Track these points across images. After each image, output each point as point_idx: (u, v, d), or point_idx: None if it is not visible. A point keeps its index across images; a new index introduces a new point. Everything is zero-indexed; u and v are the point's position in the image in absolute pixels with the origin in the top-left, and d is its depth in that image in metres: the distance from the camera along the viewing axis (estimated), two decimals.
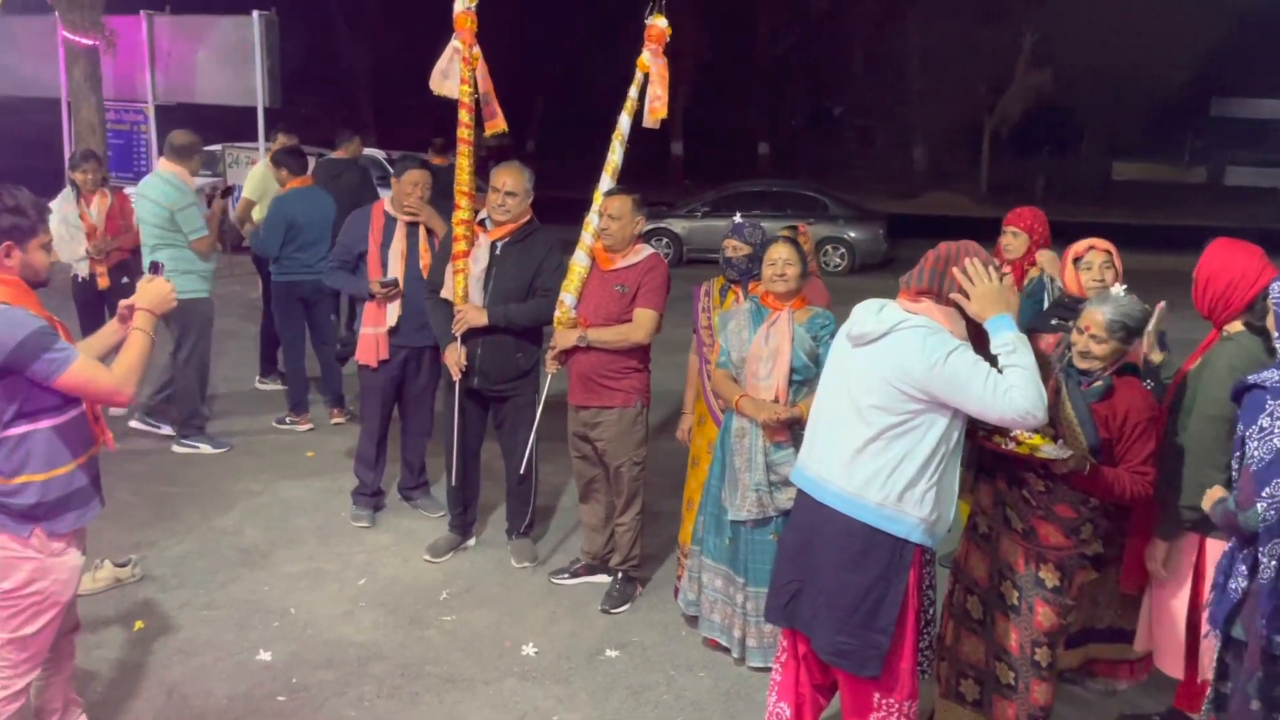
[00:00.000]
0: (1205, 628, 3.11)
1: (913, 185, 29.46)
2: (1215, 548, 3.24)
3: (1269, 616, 2.73)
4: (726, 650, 4.09)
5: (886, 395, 2.76)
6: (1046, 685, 3.23)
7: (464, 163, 4.61)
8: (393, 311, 5.05)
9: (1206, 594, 3.21)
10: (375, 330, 5.09)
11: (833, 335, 3.76)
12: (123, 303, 3.05)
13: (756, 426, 3.83)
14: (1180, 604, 3.33)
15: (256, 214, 7.33)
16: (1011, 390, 2.65)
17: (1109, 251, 3.82)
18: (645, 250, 4.43)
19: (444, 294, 4.66)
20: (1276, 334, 2.86)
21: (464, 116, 4.59)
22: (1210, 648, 3.19)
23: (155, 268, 3.12)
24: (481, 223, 4.63)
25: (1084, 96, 30.09)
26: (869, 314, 2.88)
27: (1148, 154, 34.39)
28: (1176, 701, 3.64)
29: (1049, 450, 2.95)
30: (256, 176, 7.56)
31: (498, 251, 4.58)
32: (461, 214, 4.56)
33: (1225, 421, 3.06)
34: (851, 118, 36.21)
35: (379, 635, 4.20)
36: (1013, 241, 4.53)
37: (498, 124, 4.73)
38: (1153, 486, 3.14)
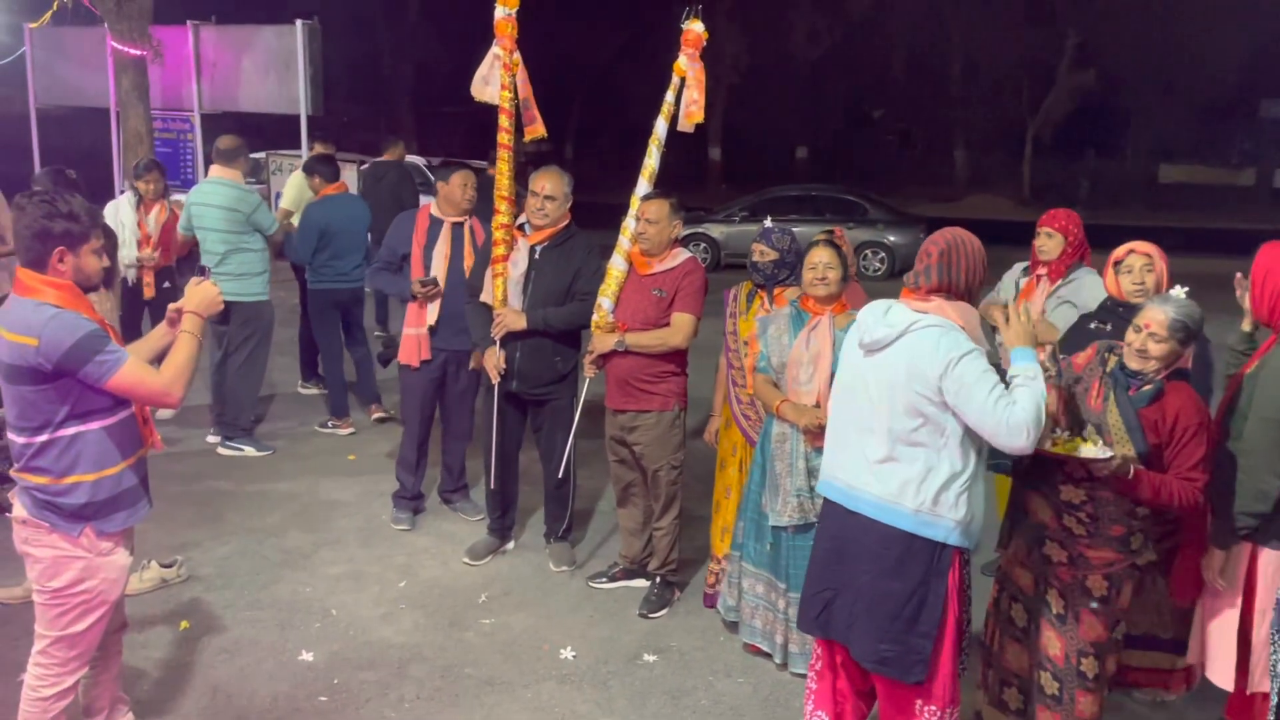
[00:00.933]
0: (1267, 635, 3.05)
1: (954, 189, 29.22)
2: (1269, 557, 3.18)
3: None
4: (766, 656, 4.06)
5: (909, 400, 2.76)
6: (1092, 697, 3.17)
7: (504, 168, 4.64)
8: (433, 311, 5.09)
9: (1260, 604, 3.15)
10: (417, 331, 5.13)
11: None
12: (171, 306, 3.10)
13: (798, 431, 3.81)
14: (1232, 613, 3.26)
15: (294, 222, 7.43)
16: (1014, 405, 2.66)
17: (1149, 255, 3.80)
18: (682, 254, 4.42)
19: (483, 298, 4.69)
20: None
21: (504, 122, 4.62)
22: (1265, 659, 3.13)
23: (203, 271, 3.18)
24: (521, 227, 4.66)
25: (1129, 98, 29.70)
26: (876, 318, 2.87)
27: (1195, 156, 33.75)
28: (1227, 713, 3.56)
29: (1089, 451, 2.91)
30: (294, 186, 7.65)
31: (536, 256, 4.60)
32: (501, 218, 4.60)
33: None
34: (891, 121, 35.99)
35: (419, 637, 4.23)
36: (1047, 243, 4.49)
37: (537, 129, 4.77)
38: (1203, 493, 3.07)
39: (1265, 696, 3.27)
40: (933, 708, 2.86)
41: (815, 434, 3.75)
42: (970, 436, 2.76)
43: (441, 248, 5.10)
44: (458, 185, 5.11)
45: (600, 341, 4.39)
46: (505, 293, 4.59)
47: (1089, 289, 4.35)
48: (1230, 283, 3.56)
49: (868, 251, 15.24)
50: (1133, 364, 3.10)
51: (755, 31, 29.73)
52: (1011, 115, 29.52)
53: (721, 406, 4.49)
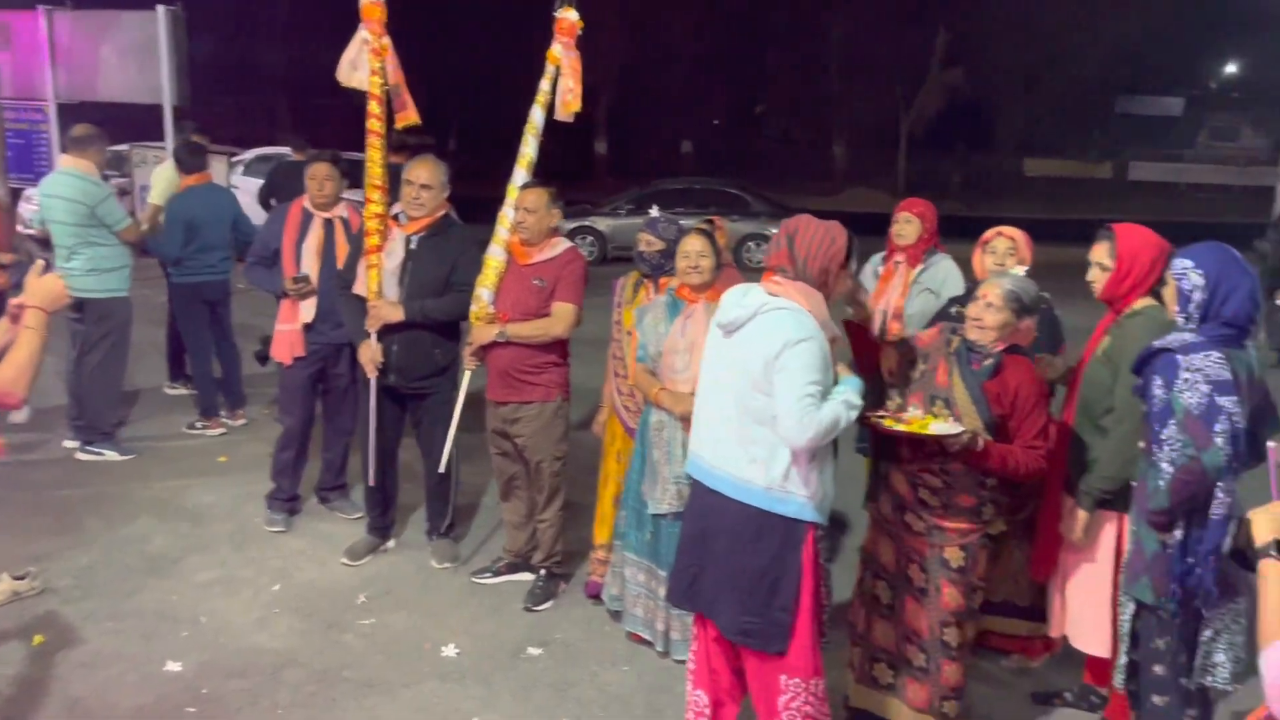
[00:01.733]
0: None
1: (833, 182, 29.93)
2: (1096, 520, 3.36)
3: (1189, 571, 2.84)
4: (650, 644, 4.08)
5: (755, 379, 2.82)
6: (956, 665, 3.29)
7: (375, 155, 4.52)
8: (308, 308, 4.97)
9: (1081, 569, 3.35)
10: (290, 327, 5.01)
11: None
12: (13, 301, 2.91)
13: (675, 419, 3.82)
14: (1104, 583, 3.39)
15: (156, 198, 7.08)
16: (815, 410, 2.73)
17: (1014, 239, 4.01)
18: (563, 244, 4.39)
19: (356, 289, 4.57)
20: (1177, 309, 2.95)
21: (373, 108, 4.51)
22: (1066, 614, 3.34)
23: (46, 265, 3.00)
24: (396, 217, 4.55)
25: (996, 94, 30.92)
26: (735, 300, 2.93)
27: (1057, 150, 35.40)
28: (1086, 677, 3.74)
29: (939, 427, 3.03)
30: (162, 179, 7.28)
31: (413, 246, 4.51)
32: (374, 207, 4.49)
33: None
34: (773, 117, 36.59)
35: (294, 642, 4.10)
36: (906, 227, 4.67)
37: (409, 116, 4.66)
38: (1045, 460, 3.23)
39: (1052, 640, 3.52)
40: (797, 680, 2.92)
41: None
42: None
43: (312, 242, 4.99)
44: (314, 179, 4.99)
45: (480, 333, 4.33)
46: (380, 284, 4.48)
47: (947, 274, 4.53)
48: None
49: (751, 243, 15.48)
50: (971, 335, 3.26)
51: (640, 26, 29.83)
52: (887, 112, 30.37)
53: (609, 397, 4.49)
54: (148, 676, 3.80)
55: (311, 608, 4.38)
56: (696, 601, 3.05)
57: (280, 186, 8.35)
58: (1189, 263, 2.93)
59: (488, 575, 4.66)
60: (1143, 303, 3.33)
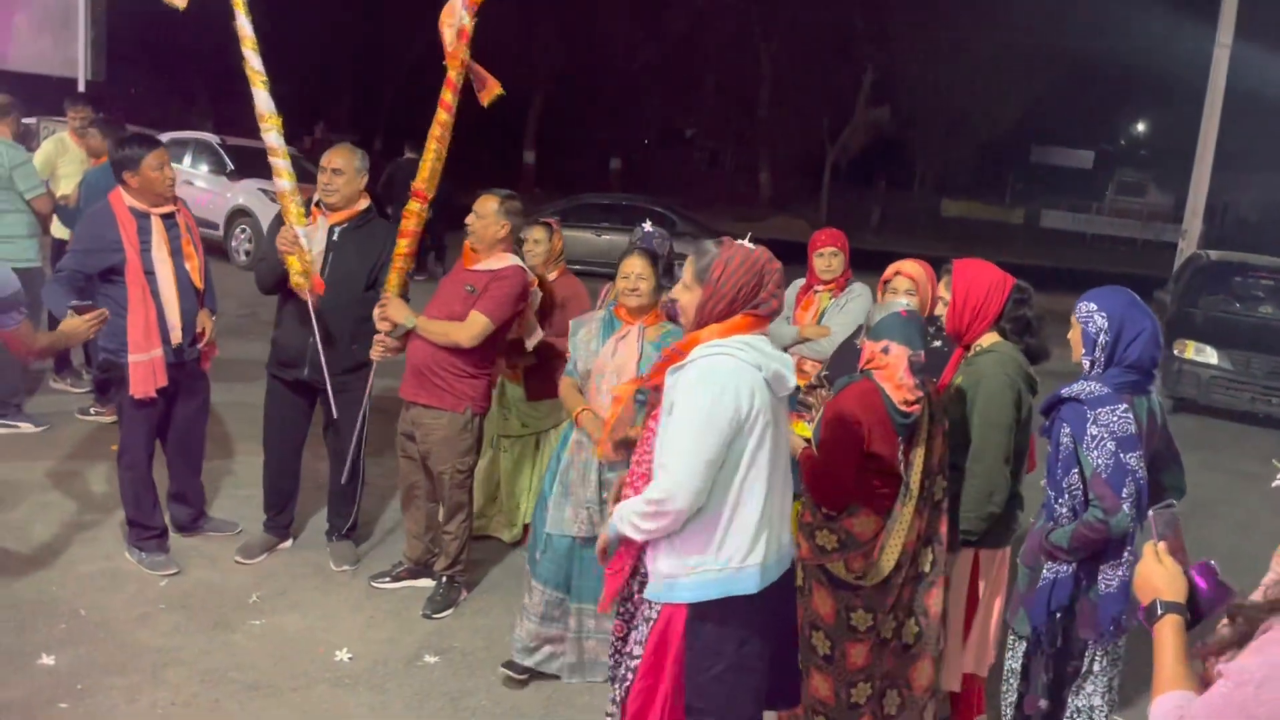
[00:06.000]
0: (996, 624, 3.27)
1: (757, 208, 30.34)
2: (988, 556, 3.40)
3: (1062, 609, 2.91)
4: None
5: None
6: (820, 675, 3.19)
7: (432, 151, 4.30)
8: (174, 328, 4.33)
9: (984, 600, 3.38)
10: (148, 357, 4.28)
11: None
12: None
13: (593, 444, 3.74)
14: (959, 616, 3.43)
15: (67, 188, 6.74)
16: (664, 471, 2.47)
17: (913, 279, 3.94)
18: (509, 260, 4.27)
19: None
20: (1083, 351, 3.03)
21: (446, 97, 4.24)
22: (988, 640, 3.37)
23: None
24: (316, 204, 4.45)
25: (918, 135, 31.84)
26: (785, 360, 2.71)
27: (973, 193, 36.62)
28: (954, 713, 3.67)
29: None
30: (49, 152, 6.78)
31: (335, 237, 4.41)
32: (415, 205, 4.31)
33: (1012, 431, 3.26)
34: (702, 139, 37.05)
35: (179, 639, 3.94)
36: (833, 261, 4.69)
37: (493, 88, 4.39)
38: (816, 487, 3.18)
39: (976, 678, 3.51)
40: None
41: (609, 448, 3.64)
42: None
43: (161, 248, 4.33)
44: (153, 167, 4.28)
45: (395, 309, 4.22)
46: (306, 268, 4.32)
47: (867, 303, 4.60)
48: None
49: (676, 263, 15.50)
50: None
51: (577, 41, 29.92)
52: (813, 143, 30.99)
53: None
54: (19, 669, 3.60)
55: (200, 605, 4.22)
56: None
57: (401, 185, 7.87)
58: (1093, 305, 3.02)
59: (387, 580, 4.55)
60: (990, 339, 3.37)
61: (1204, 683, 1.70)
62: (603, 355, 3.78)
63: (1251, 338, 9.99)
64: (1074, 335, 3.09)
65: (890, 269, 4.02)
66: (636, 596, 2.65)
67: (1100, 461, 2.83)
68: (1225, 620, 1.75)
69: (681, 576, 2.49)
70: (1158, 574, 1.89)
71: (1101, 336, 2.98)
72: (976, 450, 3.26)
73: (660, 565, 2.53)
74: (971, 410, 3.28)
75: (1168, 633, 1.82)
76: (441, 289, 4.30)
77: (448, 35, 4.19)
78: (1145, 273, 18.10)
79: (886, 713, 3.18)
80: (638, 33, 30.60)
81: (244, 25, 4.35)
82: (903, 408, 3.06)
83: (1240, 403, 9.66)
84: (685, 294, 2.58)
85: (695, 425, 2.41)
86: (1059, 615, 2.96)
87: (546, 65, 30.29)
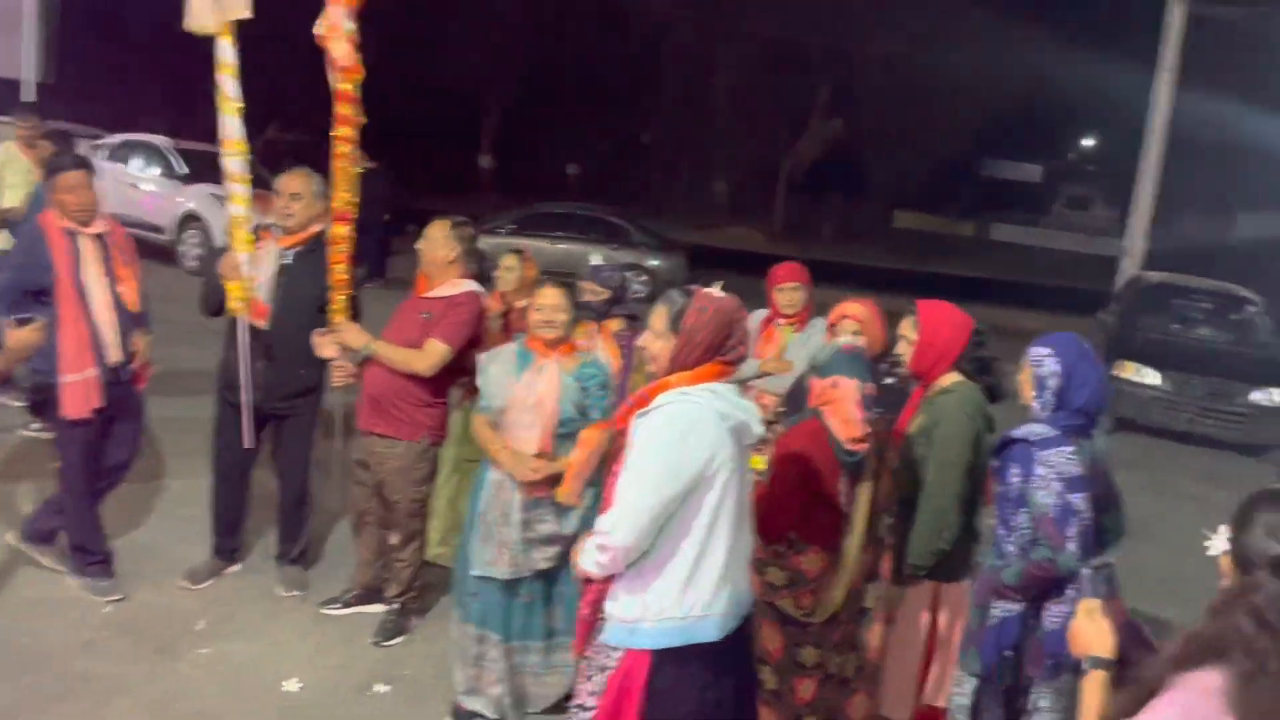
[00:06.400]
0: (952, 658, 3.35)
1: (713, 218, 30.51)
2: (950, 589, 3.49)
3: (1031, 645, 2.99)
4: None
5: None
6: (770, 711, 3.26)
7: (345, 159, 4.14)
8: (112, 346, 4.24)
9: (942, 634, 3.46)
10: (83, 376, 4.17)
11: (601, 385, 3.71)
12: None
13: (515, 483, 3.68)
14: (917, 648, 3.50)
15: (13, 200, 6.59)
16: (616, 514, 2.49)
17: (858, 319, 3.99)
18: (465, 285, 4.28)
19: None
20: (1034, 394, 3.12)
21: (343, 109, 4.07)
22: (946, 674, 3.44)
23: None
24: (269, 228, 4.43)
25: (872, 147, 32.25)
26: (746, 406, 2.74)
27: (925, 205, 37.17)
28: None
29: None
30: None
31: (286, 260, 4.39)
32: (340, 229, 4.22)
33: (966, 470, 3.34)
34: (659, 148, 37.15)
35: (124, 668, 3.90)
36: (794, 295, 4.75)
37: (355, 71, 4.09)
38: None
39: (937, 709, 3.54)
40: None
41: (533, 485, 3.66)
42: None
43: (91, 270, 4.23)
44: (64, 189, 4.18)
45: (350, 334, 4.20)
46: (250, 294, 4.29)
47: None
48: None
49: (629, 274, 15.60)
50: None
51: (537, 45, 29.91)
52: (768, 154, 31.26)
53: None
54: None
55: (145, 632, 4.17)
56: None
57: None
58: (1046, 350, 3.11)
59: (337, 606, 4.53)
60: (952, 379, 3.45)
61: None
62: (519, 390, 3.68)
63: (1190, 359, 10.29)
64: (1025, 377, 3.18)
65: (835, 312, 4.08)
66: (589, 650, 2.68)
67: (1047, 501, 2.93)
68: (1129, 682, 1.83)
69: (645, 622, 2.52)
70: (1087, 630, 1.98)
71: (1052, 380, 3.08)
72: (930, 487, 3.33)
73: (624, 610, 2.56)
74: (929, 447, 3.37)
75: (1093, 688, 1.92)
76: (397, 316, 4.30)
77: (337, 49, 4.00)
78: (1090, 287, 18.51)
79: None
80: (598, 40, 30.67)
81: (225, 51, 4.20)
82: (849, 446, 3.12)
83: (1178, 423, 9.92)
84: (656, 342, 2.60)
85: (652, 467, 2.45)
86: (1008, 654, 3.04)
87: (505, 71, 30.27)
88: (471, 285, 4.32)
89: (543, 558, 3.67)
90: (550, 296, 3.75)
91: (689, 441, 2.45)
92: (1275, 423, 9.75)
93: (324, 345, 4.27)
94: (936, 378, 3.47)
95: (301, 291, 4.38)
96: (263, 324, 4.34)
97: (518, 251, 5.04)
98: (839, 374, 3.19)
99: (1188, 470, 9.03)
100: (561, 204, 18.18)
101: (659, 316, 2.61)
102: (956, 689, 3.25)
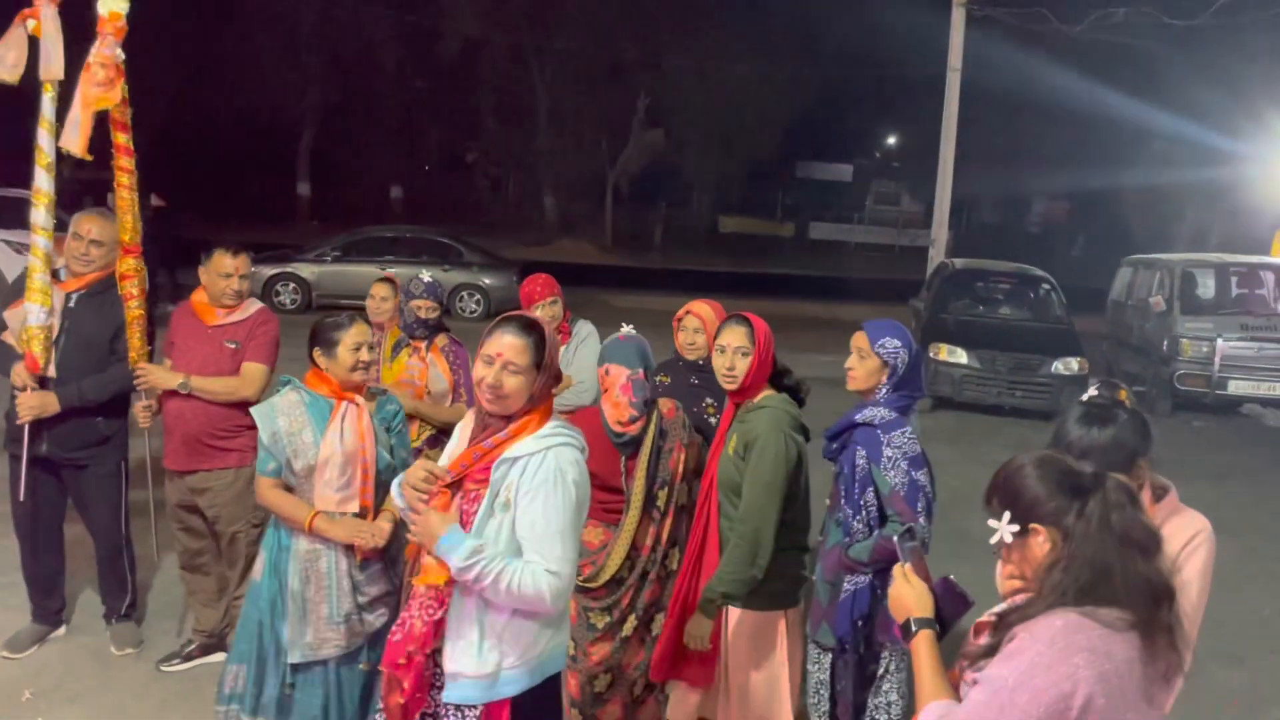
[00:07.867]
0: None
1: (544, 233, 30.56)
2: (793, 616, 3.41)
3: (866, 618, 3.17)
4: None
5: None
6: None
7: (126, 203, 4.12)
8: None
9: (780, 657, 3.38)
10: None
11: (401, 421, 3.52)
12: None
13: (334, 548, 3.28)
14: (779, 683, 3.45)
15: None
16: (528, 570, 2.38)
17: (701, 316, 4.05)
18: (254, 305, 4.25)
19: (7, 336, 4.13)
20: (885, 381, 3.25)
21: (120, 139, 4.05)
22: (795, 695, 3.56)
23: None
24: (56, 274, 4.17)
25: (692, 156, 33.09)
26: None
27: (747, 209, 38.44)
28: None
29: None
30: None
31: (71, 304, 4.15)
32: (130, 262, 4.13)
33: (784, 491, 3.20)
34: (484, 165, 36.92)
35: None
36: (553, 309, 4.65)
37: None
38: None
39: None
40: None
41: (368, 550, 3.30)
42: None
43: None
44: None
45: (160, 376, 4.05)
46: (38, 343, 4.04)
47: (598, 339, 4.69)
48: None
49: (464, 293, 15.47)
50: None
51: (346, 69, 29.16)
52: (594, 166, 31.55)
53: None
54: None
55: None
56: None
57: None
58: (897, 342, 3.26)
59: (177, 661, 4.32)
60: (764, 394, 3.33)
61: (958, 690, 1.92)
62: (327, 443, 3.25)
63: (994, 338, 11.07)
64: (868, 367, 3.26)
65: (683, 309, 4.15)
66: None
67: (896, 480, 3.11)
68: (973, 633, 1.98)
69: (509, 668, 2.43)
70: (907, 594, 2.11)
71: (901, 368, 3.25)
72: (745, 510, 3.18)
73: (478, 665, 2.42)
74: (747, 468, 3.22)
75: (924, 647, 2.03)
76: (192, 351, 4.11)
77: (101, 75, 3.88)
78: (903, 277, 19.54)
79: (636, 696, 3.49)
80: (409, 60, 30.20)
81: (47, 107, 3.97)
82: (615, 427, 3.29)
83: (989, 397, 10.69)
84: (513, 379, 2.44)
85: (570, 509, 2.41)
86: (860, 623, 3.21)
87: (315, 96, 29.43)
88: (258, 303, 4.30)
89: (377, 617, 3.37)
90: (362, 334, 3.37)
91: (582, 477, 2.48)
92: (1076, 390, 10.56)
93: (143, 382, 4.13)
94: (758, 392, 3.36)
95: (87, 335, 4.17)
96: (50, 373, 4.10)
97: (388, 280, 4.85)
98: (611, 361, 3.34)
99: (1000, 440, 9.67)
100: (389, 227, 17.86)
101: (520, 354, 2.45)
102: (813, 666, 3.37)
